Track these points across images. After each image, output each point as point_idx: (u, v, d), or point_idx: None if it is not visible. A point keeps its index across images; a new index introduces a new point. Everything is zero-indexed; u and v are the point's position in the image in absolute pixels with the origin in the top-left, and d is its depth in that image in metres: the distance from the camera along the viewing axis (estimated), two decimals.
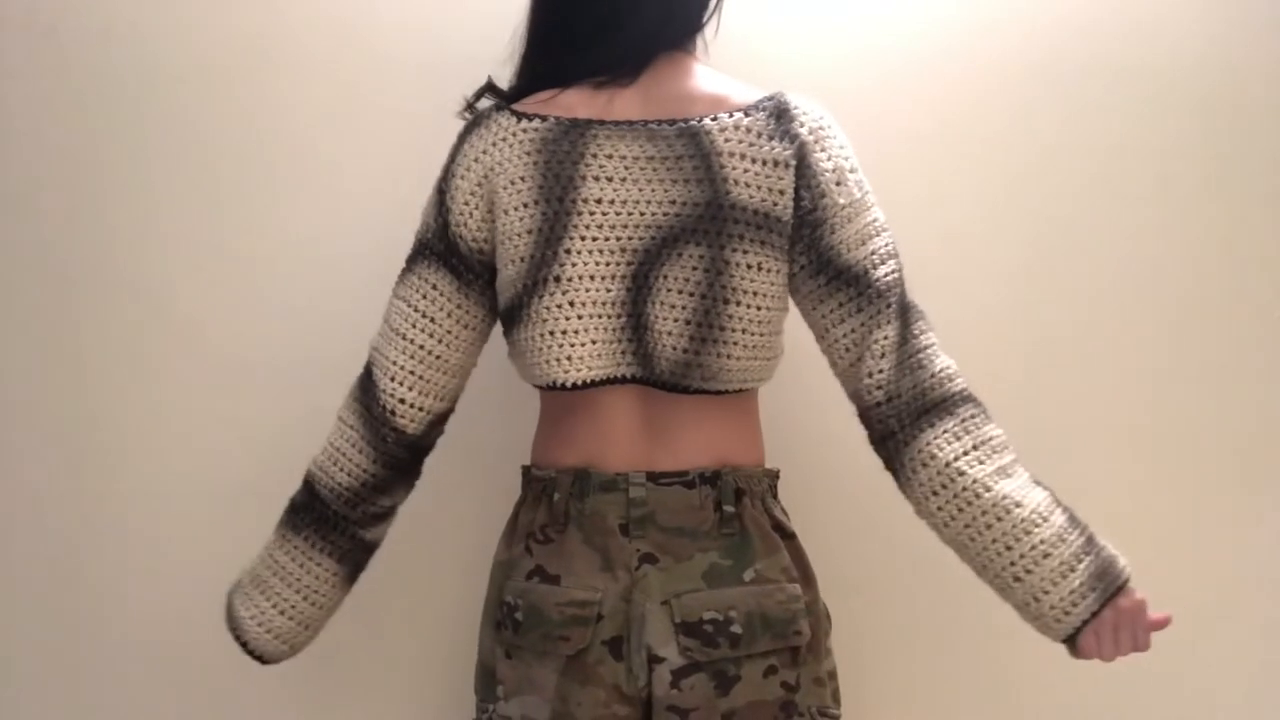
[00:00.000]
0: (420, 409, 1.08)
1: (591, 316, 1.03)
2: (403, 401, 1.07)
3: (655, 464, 1.06)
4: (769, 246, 1.02)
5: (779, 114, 1.04)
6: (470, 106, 1.12)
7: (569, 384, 1.03)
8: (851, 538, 1.42)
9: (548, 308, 1.02)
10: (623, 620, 1.02)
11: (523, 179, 1.03)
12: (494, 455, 1.35)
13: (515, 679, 1.06)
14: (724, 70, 1.12)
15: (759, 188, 1.02)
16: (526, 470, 1.15)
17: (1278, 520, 1.46)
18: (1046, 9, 1.42)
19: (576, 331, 1.03)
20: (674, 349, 1.03)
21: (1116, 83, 1.43)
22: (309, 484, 1.12)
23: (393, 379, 1.07)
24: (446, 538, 1.40)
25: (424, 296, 1.07)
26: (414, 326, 1.07)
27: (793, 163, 1.02)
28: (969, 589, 1.46)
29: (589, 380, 1.04)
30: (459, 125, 1.11)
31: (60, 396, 1.42)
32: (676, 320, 1.03)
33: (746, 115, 1.04)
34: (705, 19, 1.11)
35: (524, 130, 1.04)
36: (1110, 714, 1.46)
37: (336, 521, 1.10)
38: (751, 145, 1.02)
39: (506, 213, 1.03)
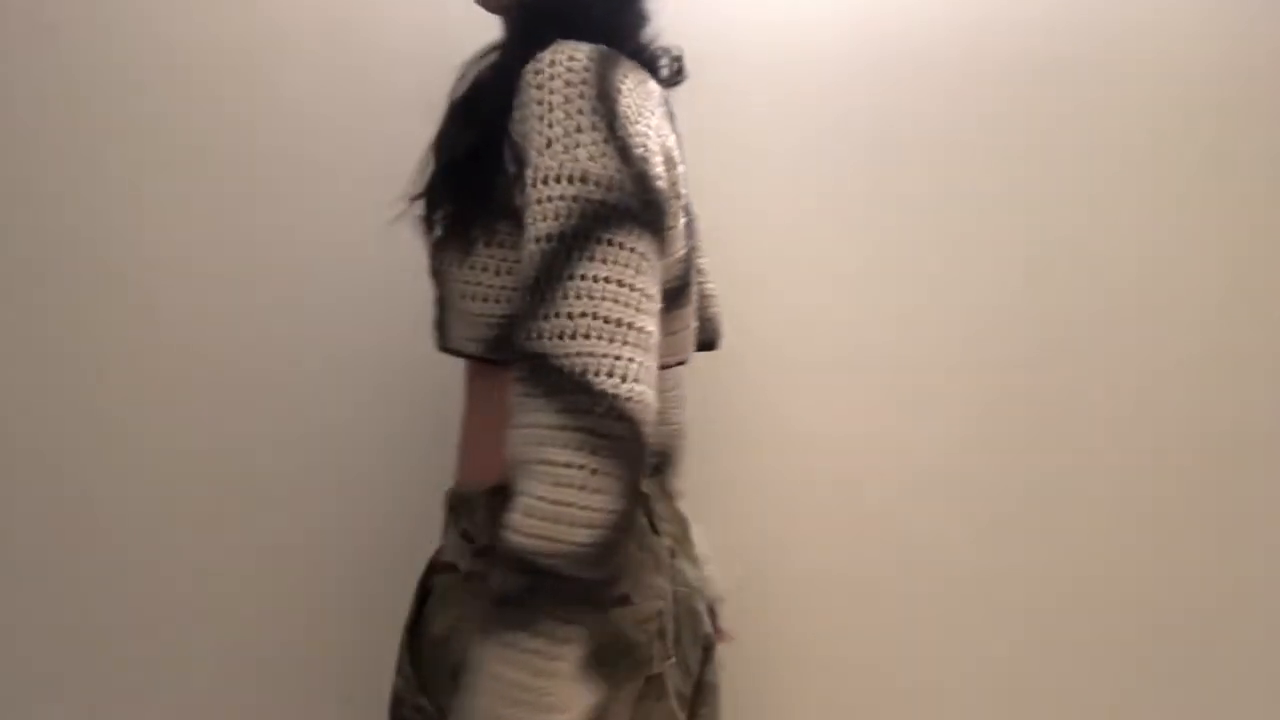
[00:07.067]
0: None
1: None
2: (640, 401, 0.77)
3: None
4: None
5: None
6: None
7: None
8: (845, 537, 1.42)
9: (698, 262, 1.05)
10: (673, 616, 0.94)
11: (673, 131, 0.94)
12: None
13: None
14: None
15: None
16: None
17: (1278, 520, 1.47)
18: (1046, 8, 1.42)
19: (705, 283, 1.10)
20: None
21: (1116, 82, 1.43)
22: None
23: (624, 378, 0.76)
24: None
25: (636, 270, 0.79)
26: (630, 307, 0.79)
27: None
28: (968, 588, 1.47)
29: None
30: None
31: (54, 395, 1.43)
32: None
33: None
34: None
35: (653, 84, 0.91)
36: (1110, 713, 1.47)
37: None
38: None
39: (678, 165, 0.92)
